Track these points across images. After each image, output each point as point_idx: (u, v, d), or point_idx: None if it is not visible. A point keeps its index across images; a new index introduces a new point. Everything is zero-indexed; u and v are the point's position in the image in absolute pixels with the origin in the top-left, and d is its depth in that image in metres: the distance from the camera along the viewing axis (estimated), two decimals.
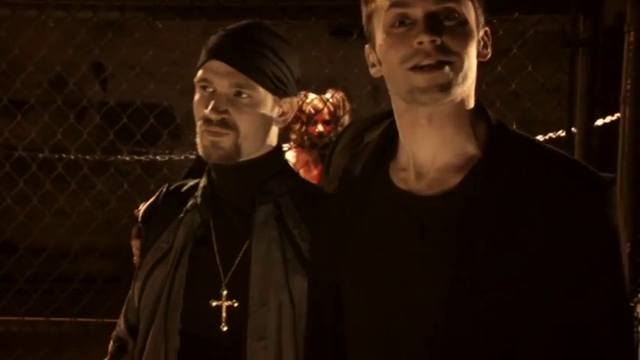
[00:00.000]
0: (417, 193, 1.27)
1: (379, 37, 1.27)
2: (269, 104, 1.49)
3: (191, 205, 1.54)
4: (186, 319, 1.48)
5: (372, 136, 1.37)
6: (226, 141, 1.46)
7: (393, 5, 1.23)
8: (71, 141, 3.50)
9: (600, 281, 1.20)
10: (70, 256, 3.31)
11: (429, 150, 1.27)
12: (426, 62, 1.21)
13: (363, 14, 1.32)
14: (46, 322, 3.09)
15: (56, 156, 3.51)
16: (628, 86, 2.36)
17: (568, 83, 2.49)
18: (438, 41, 1.20)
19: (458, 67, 1.22)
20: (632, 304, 2.25)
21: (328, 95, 3.80)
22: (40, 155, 3.38)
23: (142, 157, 4.00)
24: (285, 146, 4.09)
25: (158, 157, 4.19)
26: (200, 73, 1.49)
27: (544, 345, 1.21)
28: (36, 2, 2.62)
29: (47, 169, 3.38)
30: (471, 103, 1.28)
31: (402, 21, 1.23)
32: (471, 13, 1.25)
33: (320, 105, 3.76)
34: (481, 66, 1.31)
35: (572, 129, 2.48)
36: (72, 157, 3.72)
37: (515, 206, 1.21)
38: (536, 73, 2.85)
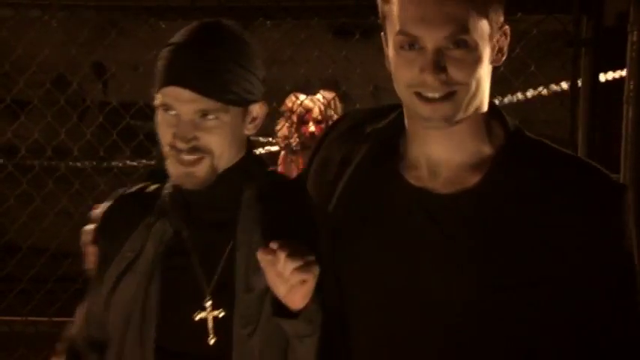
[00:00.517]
0: (434, 190, 1.26)
1: (390, 47, 1.27)
2: (239, 117, 1.41)
3: (158, 211, 1.44)
4: (163, 335, 1.40)
5: (377, 126, 1.35)
6: (201, 169, 1.38)
7: (401, 33, 1.22)
8: (74, 141, 3.50)
9: (616, 282, 1.23)
10: (72, 256, 3.31)
11: (443, 152, 1.27)
12: (430, 95, 1.21)
13: (379, 7, 1.29)
14: (48, 322, 3.09)
15: (62, 163, 3.50)
16: (631, 86, 2.35)
17: (571, 83, 2.49)
18: (444, 77, 1.20)
19: (462, 95, 1.22)
20: None
21: (319, 96, 3.80)
22: (45, 163, 3.39)
23: (144, 160, 4.01)
24: (276, 148, 4.09)
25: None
26: (159, 97, 1.38)
27: (565, 343, 1.22)
28: (39, 2, 2.63)
29: (50, 169, 3.38)
30: (484, 108, 1.28)
31: (412, 44, 1.22)
32: (485, 30, 1.22)
33: (310, 104, 3.76)
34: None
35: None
36: (78, 164, 3.73)
37: (535, 206, 1.22)
38: (538, 73, 2.85)
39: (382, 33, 1.31)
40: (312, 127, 3.75)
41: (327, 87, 3.86)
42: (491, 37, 1.24)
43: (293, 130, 3.80)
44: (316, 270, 1.26)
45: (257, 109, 1.44)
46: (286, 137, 3.80)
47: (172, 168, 1.39)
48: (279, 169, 3.92)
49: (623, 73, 2.42)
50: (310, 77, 3.84)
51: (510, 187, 1.24)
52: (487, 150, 1.27)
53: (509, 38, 1.28)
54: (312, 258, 1.26)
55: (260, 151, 4.28)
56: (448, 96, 1.21)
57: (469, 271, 1.22)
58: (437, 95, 1.21)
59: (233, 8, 2.71)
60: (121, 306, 1.43)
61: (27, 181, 3.26)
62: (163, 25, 2.87)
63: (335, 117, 3.78)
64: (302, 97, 3.83)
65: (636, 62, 2.34)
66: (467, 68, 1.21)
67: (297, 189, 1.44)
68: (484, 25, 1.22)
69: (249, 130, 1.44)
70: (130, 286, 1.42)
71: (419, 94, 1.22)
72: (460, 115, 1.23)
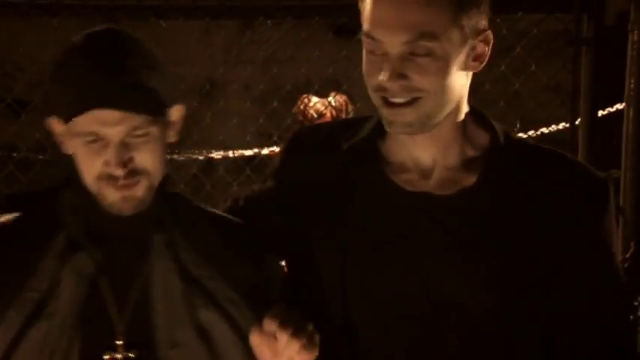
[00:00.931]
0: (430, 192, 1.25)
1: (363, 46, 1.24)
2: (163, 126, 1.28)
3: (66, 244, 1.27)
4: None
5: (356, 138, 1.31)
6: (139, 189, 1.25)
7: (366, 36, 1.21)
8: None
9: (607, 271, 1.27)
10: None
11: (430, 156, 1.27)
12: (394, 100, 1.20)
13: (359, 6, 1.27)
14: None
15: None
16: (632, 85, 2.35)
17: (571, 82, 2.49)
18: (405, 83, 1.18)
19: (427, 102, 1.19)
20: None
21: (331, 98, 3.80)
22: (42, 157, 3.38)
23: None
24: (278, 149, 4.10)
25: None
26: (81, 126, 1.22)
27: (574, 335, 1.25)
28: (40, 2, 2.63)
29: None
30: (461, 114, 1.27)
31: (374, 50, 1.20)
32: (453, 37, 1.19)
33: (322, 109, 3.77)
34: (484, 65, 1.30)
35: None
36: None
37: (532, 203, 1.24)
38: (539, 71, 2.85)
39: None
40: None
41: (327, 86, 3.86)
42: (463, 43, 1.20)
43: None
44: (318, 340, 1.18)
45: (176, 113, 1.32)
46: None
47: (107, 195, 1.25)
48: None
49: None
50: (311, 76, 3.84)
51: (507, 186, 1.25)
52: (472, 152, 1.27)
53: (490, 44, 1.24)
54: (311, 327, 1.18)
55: (263, 151, 4.28)
56: (412, 102, 1.19)
57: (480, 270, 1.22)
58: (401, 100, 1.19)
59: (234, 7, 2.71)
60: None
61: (27, 180, 3.26)
62: (164, 25, 2.87)
63: None
64: (314, 99, 3.84)
65: (637, 61, 2.35)
66: (431, 75, 1.18)
67: (224, 218, 1.36)
68: (453, 33, 1.18)
69: (172, 137, 1.32)
70: (40, 335, 1.23)
71: (384, 99, 1.20)
72: (427, 122, 1.21)
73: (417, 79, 1.18)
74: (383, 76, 1.18)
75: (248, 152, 4.45)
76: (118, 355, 1.26)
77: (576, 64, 2.46)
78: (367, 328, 1.26)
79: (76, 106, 1.21)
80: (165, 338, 1.27)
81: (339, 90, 3.85)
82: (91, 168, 1.24)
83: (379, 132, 1.29)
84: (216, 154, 4.34)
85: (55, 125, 1.28)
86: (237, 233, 1.37)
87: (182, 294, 1.29)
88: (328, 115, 3.78)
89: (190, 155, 4.38)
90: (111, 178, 1.23)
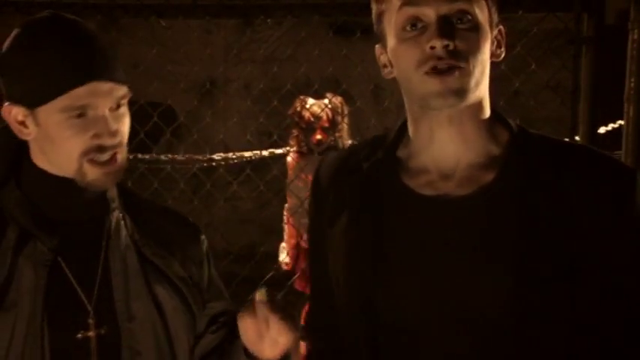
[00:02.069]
0: (450, 194, 1.25)
1: (390, 40, 1.26)
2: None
3: (17, 236, 1.28)
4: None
5: (376, 156, 1.33)
6: (119, 164, 1.30)
7: (404, 4, 1.22)
8: None
9: (635, 260, 1.25)
10: None
11: (452, 151, 1.27)
12: (440, 65, 1.20)
13: (373, 12, 1.30)
14: None
15: None
16: (632, 84, 2.35)
17: (572, 81, 2.49)
18: (451, 46, 1.19)
19: (468, 72, 1.21)
20: None
21: (327, 100, 3.80)
22: None
23: (147, 156, 4.01)
24: (285, 150, 4.12)
25: (162, 157, 4.20)
26: (72, 100, 1.25)
27: (599, 329, 1.24)
28: (39, 1, 2.63)
29: None
30: (487, 106, 1.28)
31: (414, 24, 1.21)
32: (485, 13, 1.24)
33: (318, 111, 3.77)
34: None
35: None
36: None
37: (553, 196, 1.23)
38: (539, 70, 2.85)
39: (377, 45, 1.31)
40: (318, 136, 3.78)
41: (327, 85, 3.86)
42: (491, 24, 1.26)
43: (301, 135, 3.82)
44: (299, 326, 1.26)
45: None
46: (297, 140, 3.83)
47: (89, 172, 1.28)
48: (289, 173, 3.94)
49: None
50: (311, 75, 3.84)
51: (526, 181, 1.24)
52: (495, 149, 1.28)
53: (505, 38, 1.29)
54: (297, 312, 1.26)
55: (264, 153, 4.29)
56: (454, 68, 1.20)
57: (506, 269, 1.21)
58: (444, 66, 1.19)
59: (234, 6, 2.71)
60: None
61: None
62: (164, 24, 2.87)
63: (342, 123, 3.80)
64: (310, 101, 3.84)
65: (637, 60, 2.34)
66: (471, 43, 1.21)
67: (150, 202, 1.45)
68: (484, 9, 1.24)
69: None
70: (5, 328, 1.25)
71: (428, 73, 1.21)
72: (469, 94, 1.22)
73: (460, 44, 1.20)
74: (430, 41, 1.19)
75: (247, 153, 4.45)
76: (90, 333, 1.29)
77: (576, 63, 2.46)
78: (397, 336, 1.26)
79: (69, 82, 1.25)
80: (123, 311, 1.31)
81: (337, 89, 3.85)
82: (75, 145, 1.27)
83: (399, 141, 1.32)
84: (217, 156, 4.34)
85: (16, 112, 1.29)
86: (179, 219, 1.46)
87: (138, 269, 1.35)
88: (324, 117, 3.79)
89: (192, 155, 4.39)
90: (98, 150, 1.27)
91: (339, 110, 3.82)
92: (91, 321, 1.29)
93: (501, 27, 1.29)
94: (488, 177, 1.25)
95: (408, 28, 1.22)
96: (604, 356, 1.25)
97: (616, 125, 2.90)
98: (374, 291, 1.26)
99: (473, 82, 1.22)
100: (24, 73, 1.27)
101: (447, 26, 1.20)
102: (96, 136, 1.28)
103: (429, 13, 1.20)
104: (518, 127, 1.31)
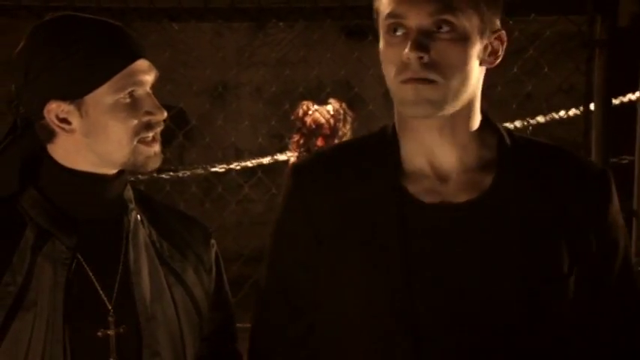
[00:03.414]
0: (450, 201, 1.25)
1: (381, 41, 1.26)
2: None
3: (36, 236, 1.28)
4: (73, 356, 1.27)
5: (364, 163, 1.30)
6: (158, 145, 1.32)
7: (388, 16, 1.21)
8: None
9: (621, 255, 1.29)
10: None
11: (449, 157, 1.26)
12: (413, 77, 1.19)
13: (374, 6, 1.28)
14: None
15: None
16: None
17: (584, 84, 2.48)
18: (425, 59, 1.18)
19: (443, 84, 1.19)
20: None
21: (329, 107, 3.81)
22: None
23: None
24: (287, 154, 4.14)
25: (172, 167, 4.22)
26: (124, 80, 1.27)
27: (595, 327, 1.27)
28: (53, 5, 2.64)
29: None
30: (476, 115, 1.27)
31: (396, 29, 1.21)
32: (473, 22, 1.21)
33: (321, 119, 3.79)
34: (495, 67, 1.30)
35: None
36: None
37: (546, 199, 1.25)
38: (551, 73, 2.84)
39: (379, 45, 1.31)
40: (319, 143, 3.80)
41: (339, 89, 3.87)
42: (482, 32, 1.22)
43: (302, 141, 3.85)
44: None
45: None
46: (297, 145, 3.85)
47: (143, 151, 1.30)
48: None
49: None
50: (322, 79, 3.85)
51: (523, 183, 1.26)
52: (487, 153, 1.28)
53: (505, 44, 1.25)
54: None
55: (268, 160, 4.30)
56: (430, 82, 1.19)
57: (514, 272, 1.22)
58: (417, 77, 1.18)
59: (245, 10, 2.72)
60: (14, 353, 1.24)
61: None
62: (176, 27, 2.88)
63: (343, 129, 3.82)
64: (313, 107, 3.86)
65: None
66: (450, 54, 1.19)
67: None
68: (474, 16, 1.20)
69: None
70: (25, 328, 1.25)
71: (404, 81, 1.19)
72: (445, 106, 1.21)
73: (438, 56, 1.18)
74: (406, 49, 1.18)
75: (254, 162, 4.46)
76: (110, 332, 1.29)
77: (589, 65, 2.45)
78: (403, 345, 1.25)
79: (121, 62, 1.27)
80: (144, 311, 1.31)
81: (349, 92, 3.86)
82: (130, 125, 1.28)
83: (393, 142, 1.29)
84: (219, 168, 4.34)
85: (58, 108, 1.28)
86: (191, 222, 1.45)
87: (157, 270, 1.35)
88: (326, 125, 3.80)
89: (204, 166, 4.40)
90: (147, 127, 1.28)
91: (341, 117, 3.83)
92: (110, 319, 1.29)
93: (502, 32, 1.25)
94: (486, 181, 1.25)
95: (392, 32, 1.22)
96: (600, 353, 1.28)
97: None
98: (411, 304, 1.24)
99: (450, 93, 1.20)
100: (66, 66, 1.27)
101: (423, 38, 1.18)
102: (147, 113, 1.29)
103: (410, 24, 1.20)
104: (506, 130, 1.32)
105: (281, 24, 2.80)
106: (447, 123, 1.25)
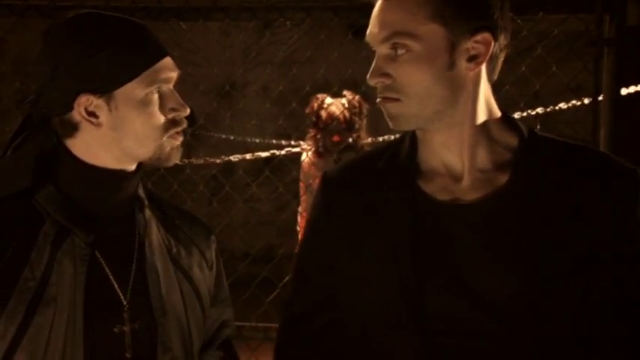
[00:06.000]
0: (464, 198, 1.27)
1: None
2: None
3: (56, 232, 1.29)
4: (90, 351, 1.27)
5: (395, 164, 1.34)
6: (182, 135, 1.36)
7: (365, 36, 1.29)
8: None
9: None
10: None
11: (457, 158, 1.29)
12: (380, 96, 1.27)
13: None
14: None
15: None
16: None
17: (592, 83, 2.47)
18: (386, 81, 1.24)
19: (407, 103, 1.24)
20: None
21: (344, 100, 3.78)
22: None
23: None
24: (301, 148, 4.12)
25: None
26: (155, 74, 1.29)
27: (617, 323, 1.26)
28: (62, 5, 2.65)
29: None
30: (480, 116, 1.28)
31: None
32: (439, 34, 1.22)
33: (336, 112, 3.76)
34: (503, 66, 1.30)
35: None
36: None
37: (564, 197, 1.25)
38: (559, 72, 2.84)
39: None
40: (336, 138, 3.77)
41: (346, 87, 3.85)
42: (452, 42, 1.22)
43: (319, 136, 3.81)
44: None
45: None
46: (315, 140, 3.82)
47: (168, 144, 1.32)
48: (302, 173, 3.94)
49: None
50: (329, 77, 3.84)
51: (538, 182, 1.26)
52: (505, 153, 1.29)
53: (490, 45, 1.23)
54: None
55: (281, 152, 4.29)
56: (395, 101, 1.25)
57: (524, 269, 1.23)
58: (383, 96, 1.26)
59: (253, 9, 2.72)
60: (37, 346, 1.24)
61: None
62: (184, 26, 2.89)
63: (359, 122, 3.78)
64: (328, 100, 3.83)
65: None
66: (408, 74, 1.23)
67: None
68: (439, 29, 1.21)
69: None
70: (46, 322, 1.24)
71: (378, 100, 1.28)
72: (414, 120, 1.25)
73: (398, 79, 1.24)
74: (367, 76, 1.26)
75: (265, 154, 4.45)
76: (126, 328, 1.30)
77: (598, 64, 2.44)
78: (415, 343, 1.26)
79: (149, 60, 1.29)
80: (158, 306, 1.33)
81: (357, 91, 3.83)
82: (159, 118, 1.30)
83: (414, 144, 1.33)
84: (234, 158, 4.34)
85: (88, 102, 1.28)
86: (194, 221, 1.48)
87: (169, 266, 1.37)
88: (341, 117, 3.77)
89: (208, 159, 4.40)
90: (174, 123, 1.31)
91: (357, 110, 3.81)
92: (126, 315, 1.30)
93: (485, 35, 1.23)
94: (501, 180, 1.27)
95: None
96: (615, 350, 1.27)
97: None
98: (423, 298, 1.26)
99: (414, 108, 1.24)
100: (97, 60, 1.27)
101: (383, 63, 1.25)
102: (172, 109, 1.31)
103: (375, 50, 1.27)
104: (528, 128, 1.33)
105: (288, 23, 2.80)
106: (447, 130, 1.27)
